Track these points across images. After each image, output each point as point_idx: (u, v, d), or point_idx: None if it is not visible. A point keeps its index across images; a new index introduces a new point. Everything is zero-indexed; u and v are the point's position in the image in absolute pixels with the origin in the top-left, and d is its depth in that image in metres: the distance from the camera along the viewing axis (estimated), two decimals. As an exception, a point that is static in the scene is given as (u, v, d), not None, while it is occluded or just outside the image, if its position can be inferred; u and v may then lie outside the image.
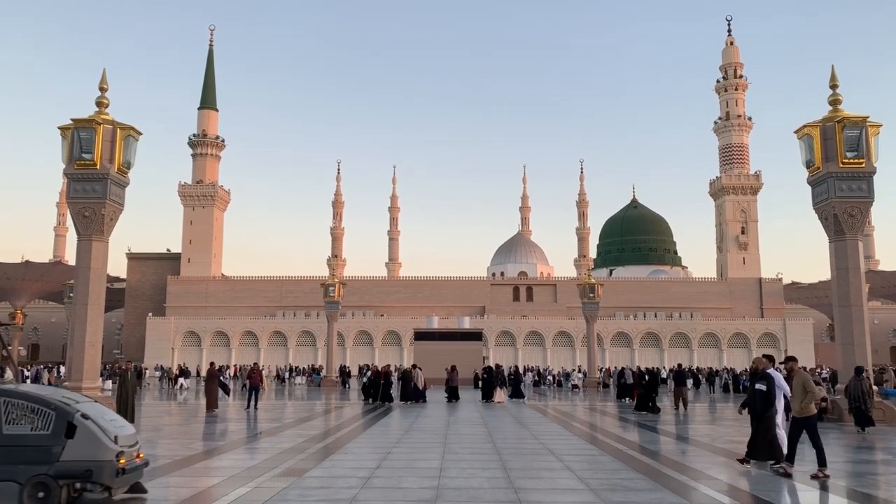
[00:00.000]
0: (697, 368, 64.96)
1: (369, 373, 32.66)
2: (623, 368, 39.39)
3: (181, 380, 50.21)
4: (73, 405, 8.32)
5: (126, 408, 19.49)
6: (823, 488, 10.40)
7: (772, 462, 11.62)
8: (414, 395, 30.42)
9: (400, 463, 12.64)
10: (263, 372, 35.41)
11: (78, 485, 8.07)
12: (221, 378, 29.52)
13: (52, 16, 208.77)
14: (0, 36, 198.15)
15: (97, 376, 23.26)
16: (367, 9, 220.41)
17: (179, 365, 66.99)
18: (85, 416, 8.19)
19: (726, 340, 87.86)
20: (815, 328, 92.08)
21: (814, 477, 10.91)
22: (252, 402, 26.66)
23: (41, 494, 7.84)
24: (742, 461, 12.10)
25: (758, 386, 11.90)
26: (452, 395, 32.56)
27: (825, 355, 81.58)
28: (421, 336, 58.70)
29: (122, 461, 8.20)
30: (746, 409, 12.59)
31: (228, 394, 33.21)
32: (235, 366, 73.75)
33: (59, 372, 49.86)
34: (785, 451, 11.87)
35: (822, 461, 11.07)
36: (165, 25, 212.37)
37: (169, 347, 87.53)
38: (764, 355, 12.66)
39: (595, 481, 10.64)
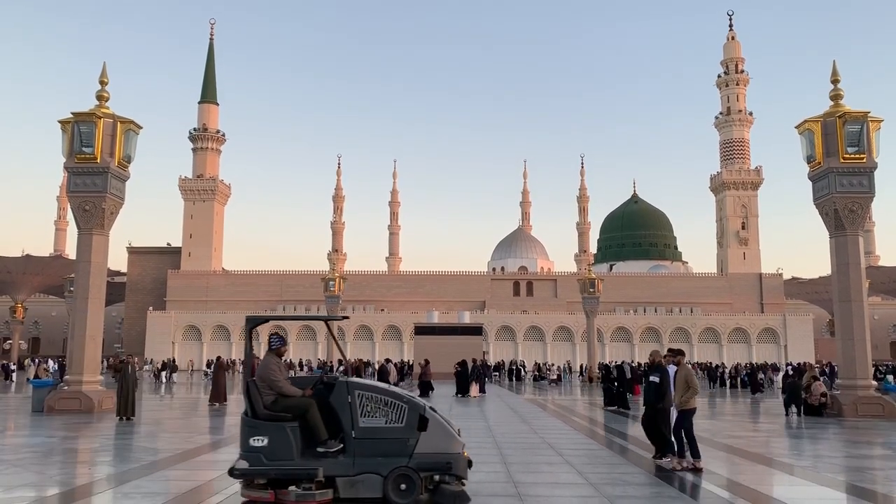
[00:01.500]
0: (722, 365, 64.94)
1: (341, 368, 32.14)
2: (622, 363, 39.40)
3: (164, 374, 47.74)
4: (417, 399, 8.44)
5: (127, 401, 19.50)
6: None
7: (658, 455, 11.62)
8: None
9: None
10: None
11: (436, 477, 8.08)
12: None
13: (52, 8, 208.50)
14: (0, 29, 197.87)
15: (98, 370, 23.34)
16: (368, 3, 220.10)
17: (164, 360, 66.97)
18: (433, 409, 8.29)
19: (726, 336, 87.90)
20: (816, 323, 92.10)
21: (683, 469, 11.00)
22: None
23: (403, 486, 7.88)
24: (656, 457, 12.01)
25: (651, 378, 12.06)
26: (425, 390, 32.24)
27: (825, 351, 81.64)
28: (421, 331, 58.67)
29: (465, 453, 8.28)
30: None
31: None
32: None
33: (7, 368, 48.76)
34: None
35: (695, 453, 11.23)
36: (166, 19, 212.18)
37: (169, 341, 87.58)
38: (670, 350, 12.99)
39: (579, 473, 10.67)
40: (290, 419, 8.01)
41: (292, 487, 7.80)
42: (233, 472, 7.94)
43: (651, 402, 11.96)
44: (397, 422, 8.08)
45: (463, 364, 34.04)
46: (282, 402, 8.16)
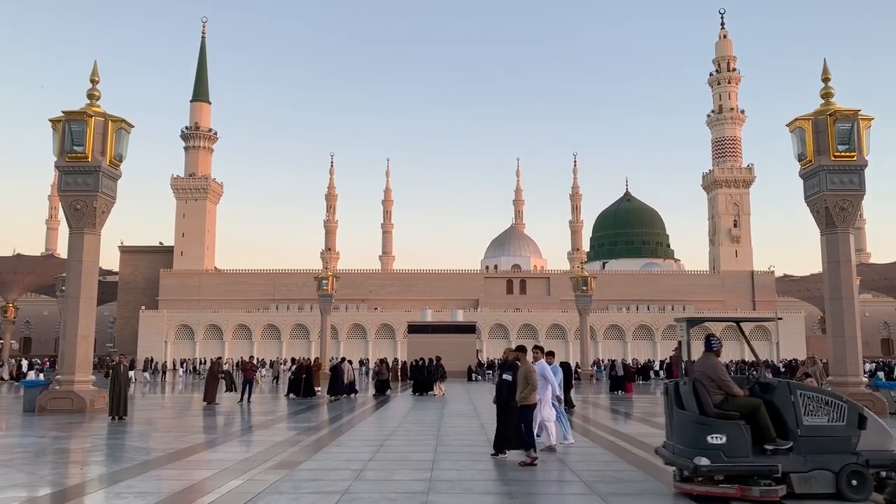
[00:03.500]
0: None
1: (293, 367, 31.51)
2: (613, 361, 39.55)
3: (132, 373, 46.68)
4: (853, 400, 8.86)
5: (119, 401, 19.44)
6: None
7: (521, 451, 11.68)
8: (342, 388, 29.45)
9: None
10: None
11: (883, 473, 8.39)
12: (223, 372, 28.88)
13: (43, 7, 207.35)
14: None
15: (89, 369, 23.25)
16: (361, 1, 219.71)
17: (133, 357, 66.73)
18: (867, 409, 8.74)
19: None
20: (807, 321, 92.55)
21: (522, 464, 11.12)
22: (245, 396, 26.65)
23: (855, 482, 8.23)
24: (494, 455, 12.06)
25: (504, 376, 12.18)
26: (381, 389, 31.83)
27: (816, 348, 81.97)
28: (414, 329, 58.67)
29: None
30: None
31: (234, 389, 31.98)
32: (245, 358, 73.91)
33: (20, 367, 47.89)
34: (553, 439, 12.86)
35: (531, 446, 11.44)
36: (158, 17, 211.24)
37: (162, 341, 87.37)
38: (536, 346, 13.40)
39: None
40: (740, 418, 8.47)
41: (755, 483, 8.18)
42: (697, 470, 8.31)
43: (503, 402, 12.04)
44: (838, 420, 8.48)
45: (419, 362, 33.48)
46: (732, 401, 8.65)
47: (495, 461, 11.70)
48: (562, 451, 12.91)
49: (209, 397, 25.36)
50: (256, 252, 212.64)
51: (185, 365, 68.39)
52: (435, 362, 33.32)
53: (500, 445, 12.01)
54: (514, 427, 11.66)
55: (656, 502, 8.70)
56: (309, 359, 36.22)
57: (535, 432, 12.26)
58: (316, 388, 31.16)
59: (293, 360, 37.69)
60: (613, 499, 8.75)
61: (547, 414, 13.01)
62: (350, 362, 32.58)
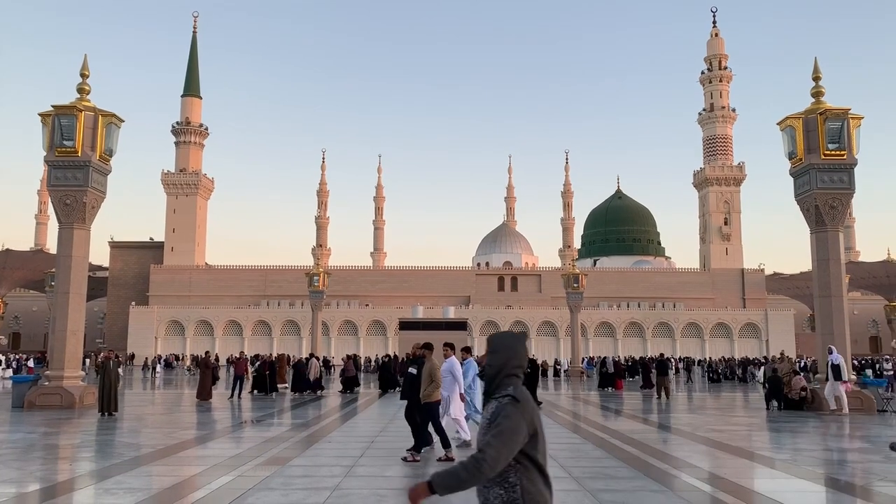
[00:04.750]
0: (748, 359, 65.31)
1: (257, 363, 30.96)
2: (605, 358, 39.65)
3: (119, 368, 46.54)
4: None
5: (109, 397, 19.35)
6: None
7: (426, 448, 11.68)
8: (306, 385, 28.98)
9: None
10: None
11: None
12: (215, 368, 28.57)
13: (33, 1, 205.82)
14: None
15: (79, 365, 23.13)
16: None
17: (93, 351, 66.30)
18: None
19: (709, 330, 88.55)
20: (797, 318, 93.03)
21: (440, 459, 11.14)
22: (236, 392, 26.57)
23: None
24: (410, 456, 11.57)
25: (410, 370, 12.27)
26: (349, 386, 30.74)
27: (806, 345, 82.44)
28: (406, 325, 58.46)
29: None
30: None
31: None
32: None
33: None
34: (468, 434, 12.71)
35: (445, 443, 11.41)
36: (148, 12, 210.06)
37: (152, 336, 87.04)
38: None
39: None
40: None
41: None
42: None
43: (409, 394, 12.09)
44: None
45: (385, 359, 32.73)
46: None
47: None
48: (553, 449, 12.94)
49: (205, 394, 25.05)
50: (247, 248, 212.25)
51: (160, 360, 66.77)
52: (403, 358, 32.28)
53: (418, 445, 11.69)
54: (420, 425, 11.60)
55: (647, 498, 8.73)
56: (270, 354, 35.96)
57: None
58: (283, 386, 30.97)
59: (256, 356, 37.49)
60: (603, 495, 8.78)
61: (456, 411, 12.81)
62: (318, 359, 32.13)
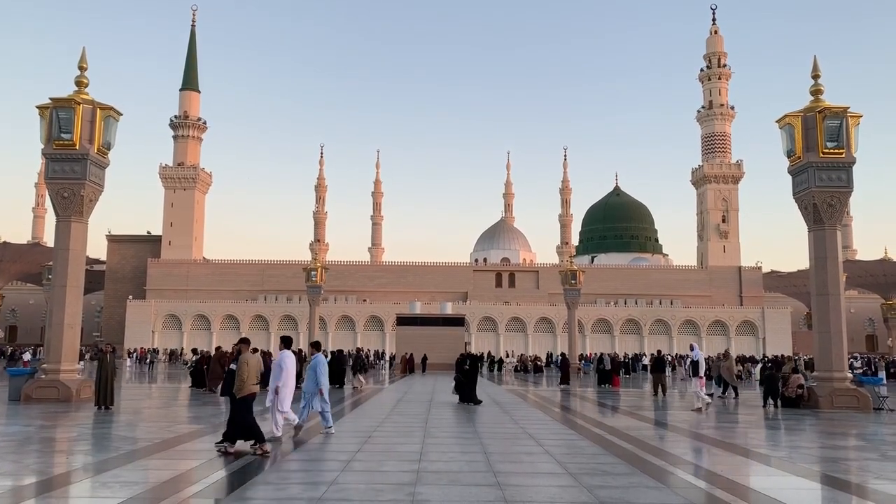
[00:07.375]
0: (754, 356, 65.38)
1: (195, 358, 30.10)
2: (602, 354, 39.72)
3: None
4: None
5: (105, 390, 19.34)
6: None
7: (252, 442, 11.66)
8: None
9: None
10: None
11: None
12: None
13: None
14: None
15: (76, 358, 23.10)
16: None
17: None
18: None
19: (706, 328, 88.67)
20: (794, 316, 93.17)
21: (254, 453, 11.21)
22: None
23: None
24: (222, 446, 11.73)
25: (231, 366, 12.50)
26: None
27: (802, 343, 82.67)
28: (403, 321, 58.68)
29: None
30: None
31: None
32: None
33: None
34: (278, 433, 13.07)
35: (259, 438, 11.46)
36: (147, 5, 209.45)
37: (149, 330, 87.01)
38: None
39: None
40: None
41: None
42: None
43: (229, 393, 12.32)
44: None
45: (337, 353, 32.40)
46: None
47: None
48: (550, 446, 12.95)
49: (213, 383, 25.27)
50: (245, 242, 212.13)
51: (135, 354, 66.13)
52: (356, 353, 31.86)
53: (229, 436, 11.72)
54: (237, 418, 11.65)
55: (643, 495, 8.74)
56: (209, 350, 35.22)
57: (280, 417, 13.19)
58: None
59: (193, 350, 36.78)
60: (600, 491, 8.78)
61: (282, 402, 13.25)
62: (261, 352, 31.11)
